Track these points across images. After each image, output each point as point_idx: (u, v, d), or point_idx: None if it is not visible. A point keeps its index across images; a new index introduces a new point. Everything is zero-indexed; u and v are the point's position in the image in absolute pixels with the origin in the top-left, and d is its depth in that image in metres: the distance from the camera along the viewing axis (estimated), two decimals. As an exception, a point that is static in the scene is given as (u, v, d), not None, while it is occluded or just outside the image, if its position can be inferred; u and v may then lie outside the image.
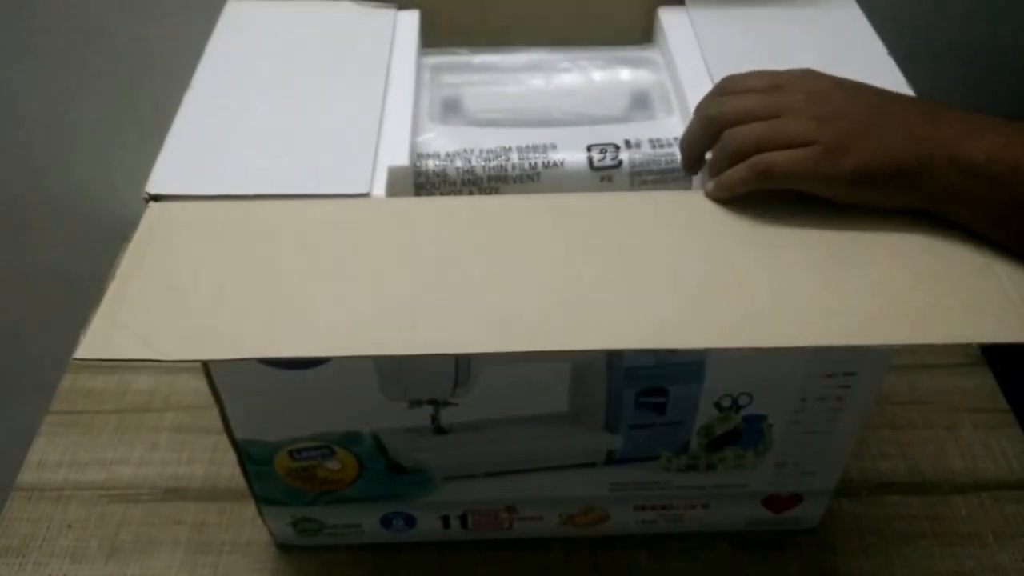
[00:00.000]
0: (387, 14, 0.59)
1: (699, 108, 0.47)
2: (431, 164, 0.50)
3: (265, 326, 0.39)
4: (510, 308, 0.40)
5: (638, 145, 0.51)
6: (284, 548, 0.61)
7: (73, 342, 0.75)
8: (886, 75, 0.53)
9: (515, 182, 0.50)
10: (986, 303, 0.40)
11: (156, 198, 0.45)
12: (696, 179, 0.50)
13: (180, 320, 0.39)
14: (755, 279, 0.41)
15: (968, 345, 0.75)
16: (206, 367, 0.48)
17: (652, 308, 0.40)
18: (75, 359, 0.36)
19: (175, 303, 0.40)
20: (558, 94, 0.57)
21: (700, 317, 0.39)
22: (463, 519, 0.59)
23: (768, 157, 0.43)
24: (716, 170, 0.45)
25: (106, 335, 0.37)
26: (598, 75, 0.57)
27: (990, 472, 0.66)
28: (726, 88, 0.47)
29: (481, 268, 0.42)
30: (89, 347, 0.36)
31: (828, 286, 0.41)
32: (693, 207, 0.46)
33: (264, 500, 0.57)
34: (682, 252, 0.43)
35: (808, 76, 0.46)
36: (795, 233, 0.44)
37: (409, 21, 0.59)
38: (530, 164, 0.50)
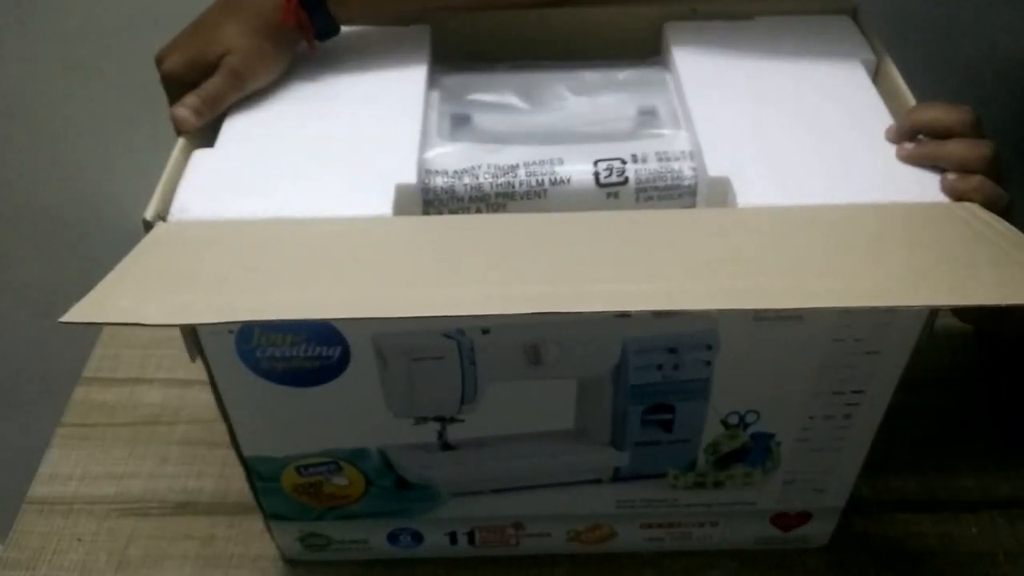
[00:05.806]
0: (398, 30, 0.59)
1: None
2: (439, 181, 0.50)
3: (255, 300, 0.39)
4: (514, 285, 0.40)
5: (644, 160, 0.51)
6: (292, 563, 0.61)
7: (85, 356, 0.76)
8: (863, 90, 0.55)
9: (522, 199, 0.51)
10: (1008, 279, 0.40)
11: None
12: (701, 197, 0.50)
13: (170, 297, 0.39)
14: (767, 262, 0.41)
15: (979, 358, 0.74)
16: (213, 384, 0.48)
17: (659, 282, 0.40)
18: (60, 321, 0.36)
19: (168, 287, 0.40)
20: (566, 110, 0.57)
21: (709, 288, 0.39)
22: (470, 535, 0.59)
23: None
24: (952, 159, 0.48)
25: (95, 306, 0.38)
26: (606, 90, 0.57)
27: (1002, 490, 0.66)
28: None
29: (485, 264, 0.42)
30: (76, 313, 0.37)
31: (843, 268, 0.41)
32: (700, 218, 0.46)
33: (272, 515, 0.57)
34: (690, 244, 0.43)
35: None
36: (806, 229, 0.44)
37: (419, 37, 0.59)
38: (537, 181, 0.50)
